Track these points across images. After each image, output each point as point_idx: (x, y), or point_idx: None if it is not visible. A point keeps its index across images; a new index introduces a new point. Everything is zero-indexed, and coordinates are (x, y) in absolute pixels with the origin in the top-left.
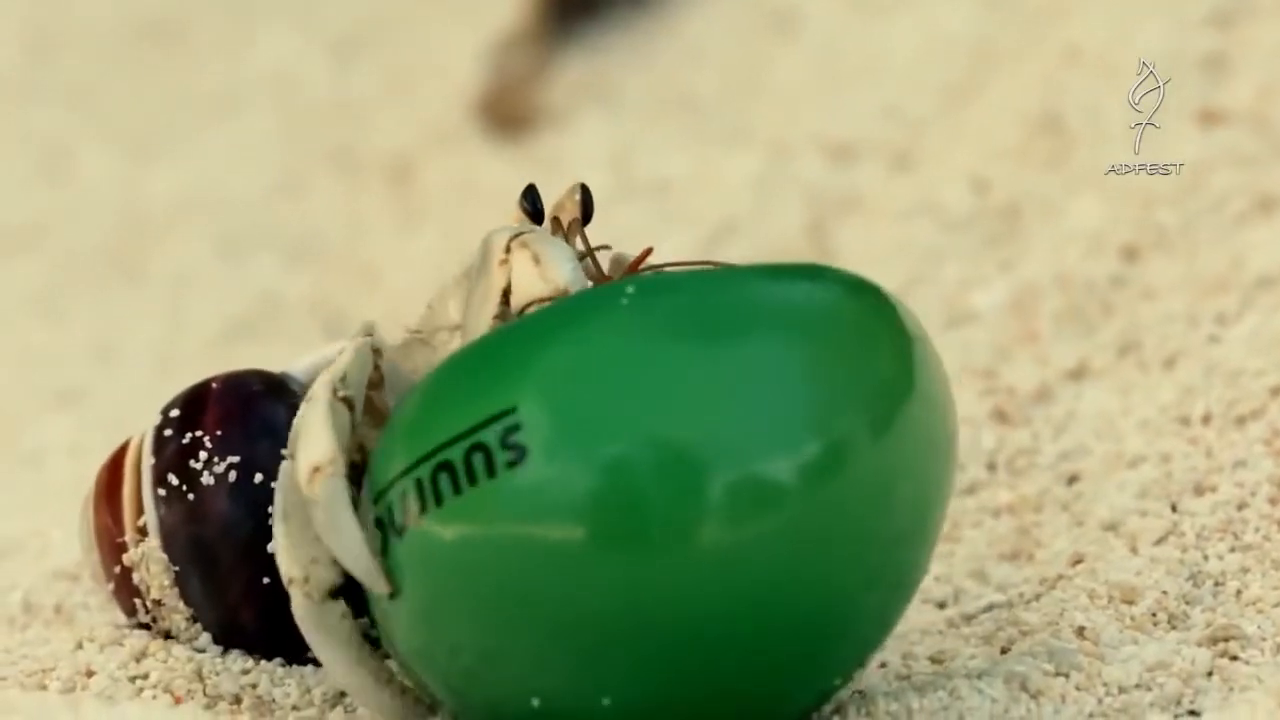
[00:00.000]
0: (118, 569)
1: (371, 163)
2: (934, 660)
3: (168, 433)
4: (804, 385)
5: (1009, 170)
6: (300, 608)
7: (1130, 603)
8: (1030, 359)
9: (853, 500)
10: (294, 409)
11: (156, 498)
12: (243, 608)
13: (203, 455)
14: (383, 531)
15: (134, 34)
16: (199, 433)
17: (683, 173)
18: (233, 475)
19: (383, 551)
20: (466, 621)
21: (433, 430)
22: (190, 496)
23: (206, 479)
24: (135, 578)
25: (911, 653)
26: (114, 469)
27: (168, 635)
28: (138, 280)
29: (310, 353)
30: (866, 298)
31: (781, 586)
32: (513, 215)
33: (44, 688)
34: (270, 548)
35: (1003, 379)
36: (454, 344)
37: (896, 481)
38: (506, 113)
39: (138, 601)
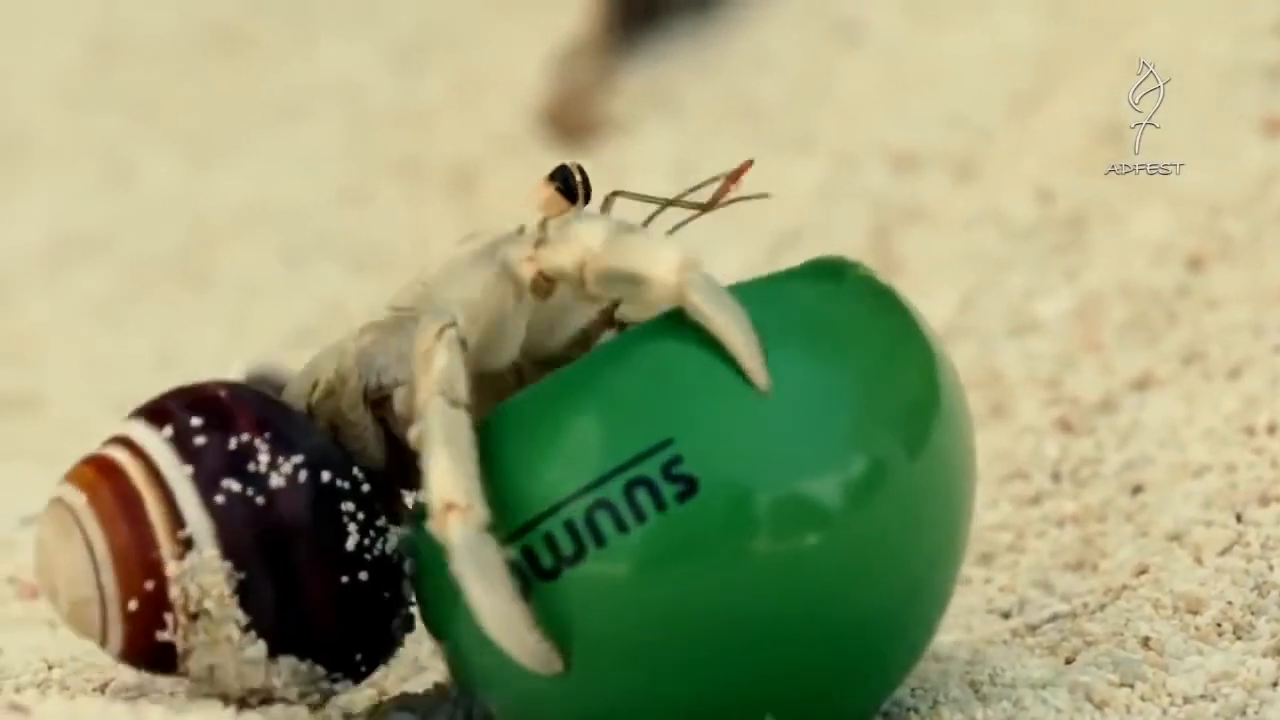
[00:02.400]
0: (150, 584)
1: (435, 171)
2: (999, 670)
3: (199, 440)
4: (848, 403)
5: (1073, 179)
6: (458, 536)
7: (1195, 613)
8: (1095, 368)
9: (892, 514)
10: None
11: (213, 506)
12: (321, 611)
13: (262, 459)
14: (521, 579)
15: (199, 42)
16: (245, 436)
17: (746, 181)
18: (303, 475)
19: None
20: (617, 660)
21: (570, 470)
22: (259, 500)
23: (275, 480)
24: (174, 592)
25: (976, 662)
26: (116, 483)
27: (187, 654)
28: (202, 288)
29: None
30: (894, 311)
31: (828, 599)
32: (541, 193)
33: (111, 695)
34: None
35: (1067, 388)
36: None
37: (929, 496)
38: (570, 121)
39: (168, 616)
